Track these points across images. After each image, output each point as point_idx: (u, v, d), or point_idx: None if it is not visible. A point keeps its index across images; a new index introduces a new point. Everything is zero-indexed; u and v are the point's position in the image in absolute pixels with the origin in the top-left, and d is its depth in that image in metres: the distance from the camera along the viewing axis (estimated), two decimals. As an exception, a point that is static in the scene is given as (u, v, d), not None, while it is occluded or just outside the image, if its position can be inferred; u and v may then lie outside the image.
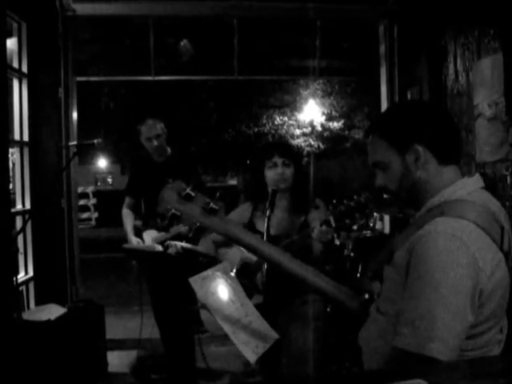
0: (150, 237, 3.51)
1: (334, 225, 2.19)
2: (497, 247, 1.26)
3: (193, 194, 1.61)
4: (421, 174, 1.36)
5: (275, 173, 2.54)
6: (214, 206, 1.59)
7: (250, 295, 2.10)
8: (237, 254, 2.58)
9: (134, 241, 3.58)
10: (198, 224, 1.62)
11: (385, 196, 1.46)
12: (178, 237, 3.30)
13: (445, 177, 1.36)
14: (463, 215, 1.26)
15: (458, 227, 1.23)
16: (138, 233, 3.64)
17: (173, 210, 1.60)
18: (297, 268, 1.59)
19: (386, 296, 1.35)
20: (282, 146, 2.66)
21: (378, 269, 1.41)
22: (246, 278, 2.46)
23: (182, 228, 3.17)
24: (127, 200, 3.79)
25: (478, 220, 1.25)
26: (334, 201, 2.23)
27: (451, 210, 1.28)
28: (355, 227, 2.14)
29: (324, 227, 2.24)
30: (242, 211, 2.77)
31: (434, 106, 1.58)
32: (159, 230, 3.47)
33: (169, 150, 3.71)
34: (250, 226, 2.68)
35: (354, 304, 1.52)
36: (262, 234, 2.46)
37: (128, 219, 3.74)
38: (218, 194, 1.62)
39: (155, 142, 3.57)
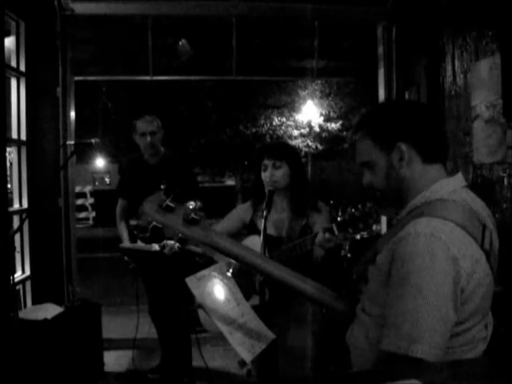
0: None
1: (336, 233, 2.20)
2: (477, 245, 1.26)
3: (173, 205, 1.61)
4: (405, 173, 1.37)
5: (265, 175, 2.57)
6: (195, 217, 1.60)
7: (247, 296, 2.10)
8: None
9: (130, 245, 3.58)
10: (180, 235, 1.62)
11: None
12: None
13: (428, 176, 1.36)
14: (442, 215, 1.26)
15: (438, 227, 1.23)
16: (133, 238, 3.63)
17: (154, 223, 1.60)
18: (282, 274, 1.59)
19: (370, 296, 1.35)
20: (272, 148, 2.67)
21: (362, 270, 1.41)
22: (243, 279, 2.47)
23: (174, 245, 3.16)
24: (120, 202, 3.78)
25: (457, 219, 1.26)
26: (332, 201, 2.23)
27: (431, 210, 1.29)
28: (358, 237, 2.13)
29: (327, 235, 2.25)
30: (243, 211, 2.78)
31: (419, 105, 1.59)
32: (144, 242, 3.42)
33: (162, 150, 3.67)
34: (251, 226, 2.70)
35: (340, 306, 1.52)
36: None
37: (123, 228, 3.72)
38: (198, 204, 1.60)
39: (148, 138, 3.52)
